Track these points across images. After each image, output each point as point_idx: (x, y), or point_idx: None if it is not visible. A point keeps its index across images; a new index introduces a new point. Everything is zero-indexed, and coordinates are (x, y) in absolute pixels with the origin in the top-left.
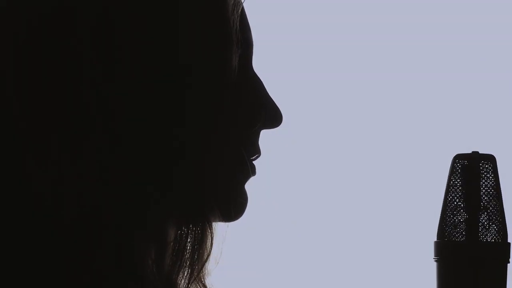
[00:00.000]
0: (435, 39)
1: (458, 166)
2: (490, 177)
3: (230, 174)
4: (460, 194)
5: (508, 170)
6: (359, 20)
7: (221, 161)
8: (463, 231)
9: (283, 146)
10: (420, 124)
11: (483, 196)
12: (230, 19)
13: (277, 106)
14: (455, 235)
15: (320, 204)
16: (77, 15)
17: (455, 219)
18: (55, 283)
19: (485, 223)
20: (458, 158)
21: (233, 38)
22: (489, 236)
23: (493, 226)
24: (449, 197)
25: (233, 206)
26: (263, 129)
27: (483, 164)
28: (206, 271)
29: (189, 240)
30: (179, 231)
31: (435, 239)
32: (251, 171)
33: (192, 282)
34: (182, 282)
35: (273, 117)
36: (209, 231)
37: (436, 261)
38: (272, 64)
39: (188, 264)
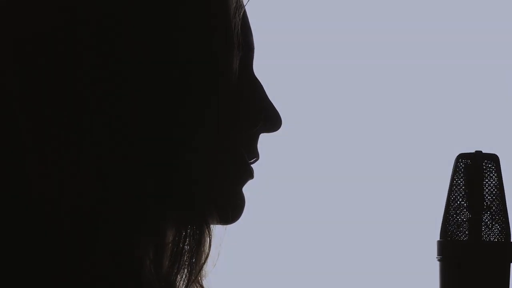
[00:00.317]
0: (440, 37)
1: (461, 165)
2: (494, 177)
3: (228, 177)
4: (463, 193)
5: (511, 170)
6: (358, 20)
7: (219, 163)
8: (466, 230)
9: (282, 146)
10: (424, 123)
11: (486, 195)
12: (231, 22)
13: (276, 110)
14: (458, 234)
15: (322, 204)
16: (79, 15)
17: (458, 219)
18: (53, 283)
19: (488, 222)
20: (462, 157)
21: (234, 41)
22: (492, 235)
23: (496, 226)
24: (452, 196)
25: (231, 209)
26: (262, 132)
27: (486, 163)
28: (204, 272)
29: (187, 241)
30: (177, 233)
31: (438, 239)
32: (250, 174)
33: (190, 284)
34: (181, 283)
35: (272, 121)
36: (207, 233)
37: (439, 260)
38: (270, 64)
39: (186, 265)
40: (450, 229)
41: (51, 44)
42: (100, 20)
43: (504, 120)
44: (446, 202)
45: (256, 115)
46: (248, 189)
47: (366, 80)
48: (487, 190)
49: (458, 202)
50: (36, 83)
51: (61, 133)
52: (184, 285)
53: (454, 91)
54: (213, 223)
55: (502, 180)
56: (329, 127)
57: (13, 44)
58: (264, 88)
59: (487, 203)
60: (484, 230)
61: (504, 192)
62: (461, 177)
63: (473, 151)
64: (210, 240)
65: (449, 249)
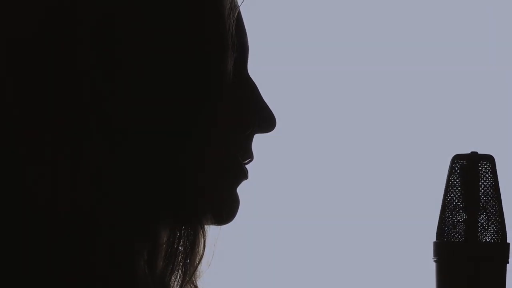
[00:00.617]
0: (436, 38)
1: (457, 166)
2: (489, 177)
3: (222, 178)
4: (459, 194)
5: (507, 171)
6: (358, 20)
7: (214, 164)
8: (462, 231)
9: (280, 146)
10: (419, 124)
11: (482, 196)
12: (226, 23)
13: (271, 111)
14: (454, 235)
15: (319, 205)
16: (77, 15)
17: (454, 219)
18: (49, 282)
19: (484, 223)
20: (457, 158)
21: (228, 42)
22: (488, 236)
23: (492, 227)
24: (448, 197)
25: (225, 209)
26: (256, 133)
27: (482, 164)
28: (198, 273)
29: (181, 242)
30: (171, 234)
31: (434, 240)
32: (244, 175)
33: (185, 285)
34: (175, 284)
35: (266, 122)
36: (202, 233)
37: (435, 261)
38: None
39: (180, 266)
40: (446, 230)
41: (46, 43)
42: (96, 20)
43: (499, 121)
44: (442, 203)
45: (250, 116)
46: (242, 189)
47: (362, 82)
48: (482, 191)
49: (454, 203)
50: (31, 82)
51: (57, 133)
52: (178, 286)
53: (449, 93)
54: (207, 224)
55: (497, 181)
56: (325, 128)
57: (7, 43)
58: (259, 89)
59: (483, 204)
60: (480, 231)
61: (499, 193)
62: (457, 178)
63: (468, 152)
64: (204, 241)
65: (445, 250)
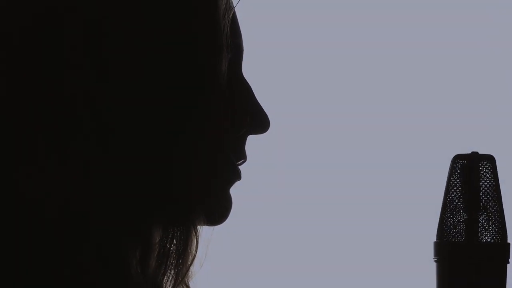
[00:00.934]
0: (436, 37)
1: (457, 166)
2: (490, 178)
3: (215, 178)
4: (459, 194)
5: (507, 171)
6: (356, 19)
7: (207, 165)
8: (462, 231)
9: (279, 147)
10: (420, 124)
11: (483, 196)
12: (221, 23)
13: (264, 112)
14: (455, 235)
15: (318, 204)
16: (69, 18)
17: (455, 220)
18: (40, 282)
19: (485, 223)
20: (458, 158)
21: (223, 42)
22: (489, 236)
23: (492, 227)
24: (449, 197)
25: (218, 210)
26: (250, 134)
27: (482, 164)
28: (191, 273)
29: (174, 242)
30: (164, 234)
31: (435, 240)
32: (237, 175)
33: (177, 285)
34: (167, 284)
35: (260, 123)
36: (194, 234)
37: (435, 261)
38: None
39: (173, 266)
40: (447, 230)
41: (38, 43)
42: (89, 20)
43: (500, 121)
44: (442, 203)
45: (244, 117)
46: (235, 190)
47: (366, 79)
48: (483, 191)
49: (455, 203)
50: (23, 82)
51: (48, 133)
52: (171, 286)
53: (450, 92)
54: (200, 224)
55: (498, 181)
56: (325, 128)
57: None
58: (253, 90)
59: (483, 203)
60: (481, 231)
61: (500, 192)
62: (458, 178)
63: (469, 152)
64: (197, 241)
65: (446, 250)
